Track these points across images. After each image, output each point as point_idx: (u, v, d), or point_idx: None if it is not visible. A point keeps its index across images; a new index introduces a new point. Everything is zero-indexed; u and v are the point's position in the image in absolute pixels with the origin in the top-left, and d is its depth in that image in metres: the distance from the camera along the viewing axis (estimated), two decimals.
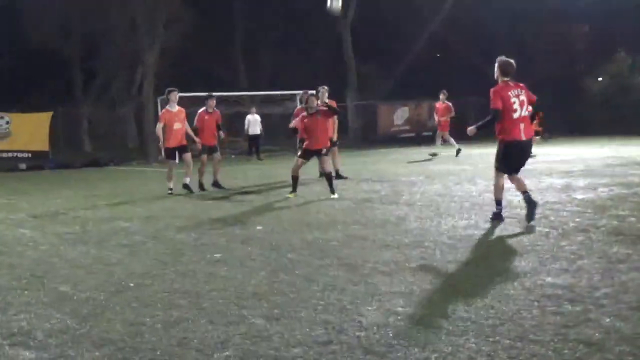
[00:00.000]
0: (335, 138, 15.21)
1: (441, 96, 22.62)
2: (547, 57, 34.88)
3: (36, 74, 34.21)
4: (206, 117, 14.84)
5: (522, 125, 8.36)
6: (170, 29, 31.26)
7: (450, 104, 22.73)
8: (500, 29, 34.70)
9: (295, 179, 12.59)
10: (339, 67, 37.59)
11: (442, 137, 22.56)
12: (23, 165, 26.96)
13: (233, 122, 29.72)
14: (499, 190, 8.61)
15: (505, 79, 8.48)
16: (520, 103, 8.34)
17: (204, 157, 14.82)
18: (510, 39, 34.44)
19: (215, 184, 14.98)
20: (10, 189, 17.77)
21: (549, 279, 5.49)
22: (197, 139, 14.53)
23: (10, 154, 27.63)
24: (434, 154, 21.70)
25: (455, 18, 35.47)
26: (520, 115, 8.33)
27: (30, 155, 27.82)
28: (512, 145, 8.44)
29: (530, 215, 8.16)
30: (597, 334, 4.12)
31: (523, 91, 8.47)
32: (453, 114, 22.79)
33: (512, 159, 8.54)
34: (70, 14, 32.04)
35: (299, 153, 12.99)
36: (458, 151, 21.62)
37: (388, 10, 36.72)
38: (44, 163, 27.17)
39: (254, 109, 27.26)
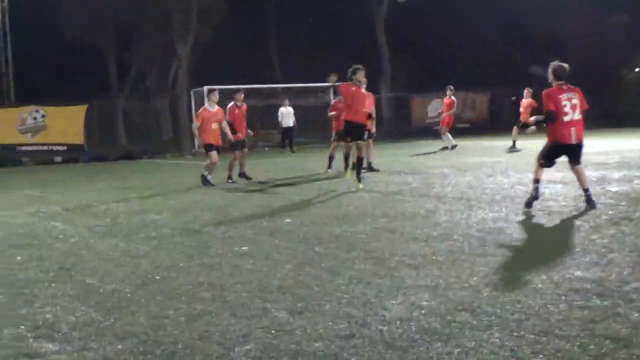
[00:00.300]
0: (373, 130, 15.27)
1: (448, 92, 22.52)
2: (583, 47, 34.43)
3: (71, 67, 34.67)
4: (236, 111, 14.94)
5: (573, 129, 8.50)
6: (203, 20, 31.43)
7: (454, 99, 22.70)
8: (535, 20, 34.25)
9: (346, 157, 12.84)
10: (372, 59, 37.50)
11: (441, 132, 22.76)
12: (58, 158, 27.46)
13: (266, 115, 29.97)
14: (538, 174, 8.80)
15: (559, 82, 8.63)
16: (572, 106, 8.50)
17: (237, 152, 14.91)
18: (546, 29, 34.06)
19: (243, 175, 15.11)
20: (44, 182, 18.14)
21: (578, 273, 5.41)
22: (232, 136, 14.57)
23: (45, 147, 28.14)
24: (453, 147, 21.94)
25: (489, 9, 35.14)
26: (571, 118, 8.48)
27: (65, 148, 28.32)
28: (559, 147, 8.68)
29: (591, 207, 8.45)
30: (624, 330, 4.04)
31: (577, 95, 8.61)
32: (454, 109, 22.91)
33: (555, 160, 8.85)
34: (103, 6, 32.37)
35: (342, 138, 13.17)
36: (454, 147, 21.89)
37: (422, 1, 36.52)
38: (79, 156, 27.74)
39: (287, 102, 27.45)
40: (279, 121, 27.13)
